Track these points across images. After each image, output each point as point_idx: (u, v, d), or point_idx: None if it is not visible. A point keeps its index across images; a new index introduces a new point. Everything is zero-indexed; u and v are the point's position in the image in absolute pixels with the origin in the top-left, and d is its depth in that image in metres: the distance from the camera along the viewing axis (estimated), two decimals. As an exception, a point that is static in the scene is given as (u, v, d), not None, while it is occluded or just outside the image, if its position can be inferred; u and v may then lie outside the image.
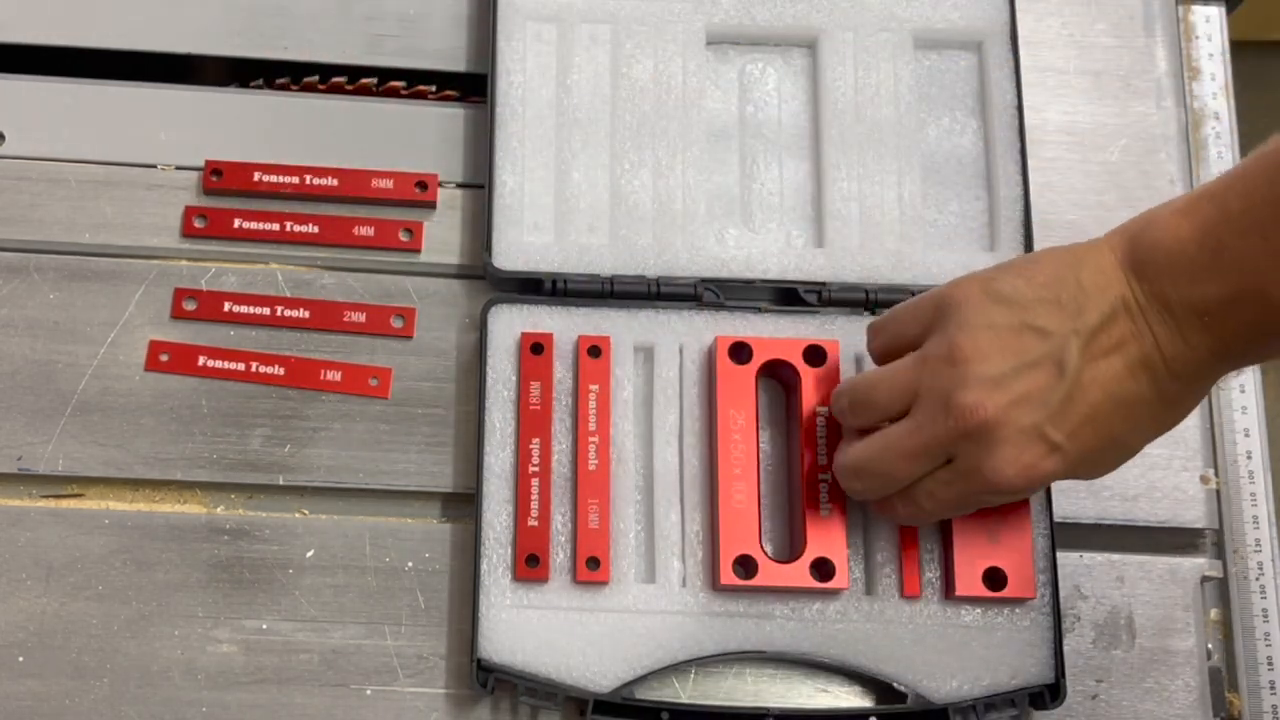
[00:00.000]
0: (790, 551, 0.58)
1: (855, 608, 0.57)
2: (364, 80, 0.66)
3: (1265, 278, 0.45)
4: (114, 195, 0.63)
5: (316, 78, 0.66)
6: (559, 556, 0.57)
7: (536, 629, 0.56)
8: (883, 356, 0.54)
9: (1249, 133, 0.68)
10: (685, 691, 0.57)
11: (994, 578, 0.57)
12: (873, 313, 0.61)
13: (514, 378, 0.59)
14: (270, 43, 0.66)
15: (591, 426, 0.58)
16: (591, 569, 0.56)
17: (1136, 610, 0.60)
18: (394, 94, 0.66)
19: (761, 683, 0.57)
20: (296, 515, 0.59)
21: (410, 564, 0.58)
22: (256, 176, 0.63)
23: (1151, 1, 0.69)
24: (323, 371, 0.60)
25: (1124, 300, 0.48)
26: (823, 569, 0.56)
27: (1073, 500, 0.61)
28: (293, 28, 0.66)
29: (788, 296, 0.62)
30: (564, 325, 0.60)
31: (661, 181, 0.62)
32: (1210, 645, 0.60)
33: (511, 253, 0.61)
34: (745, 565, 0.56)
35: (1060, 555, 0.58)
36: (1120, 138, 0.66)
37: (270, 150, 0.64)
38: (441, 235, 0.63)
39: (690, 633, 0.56)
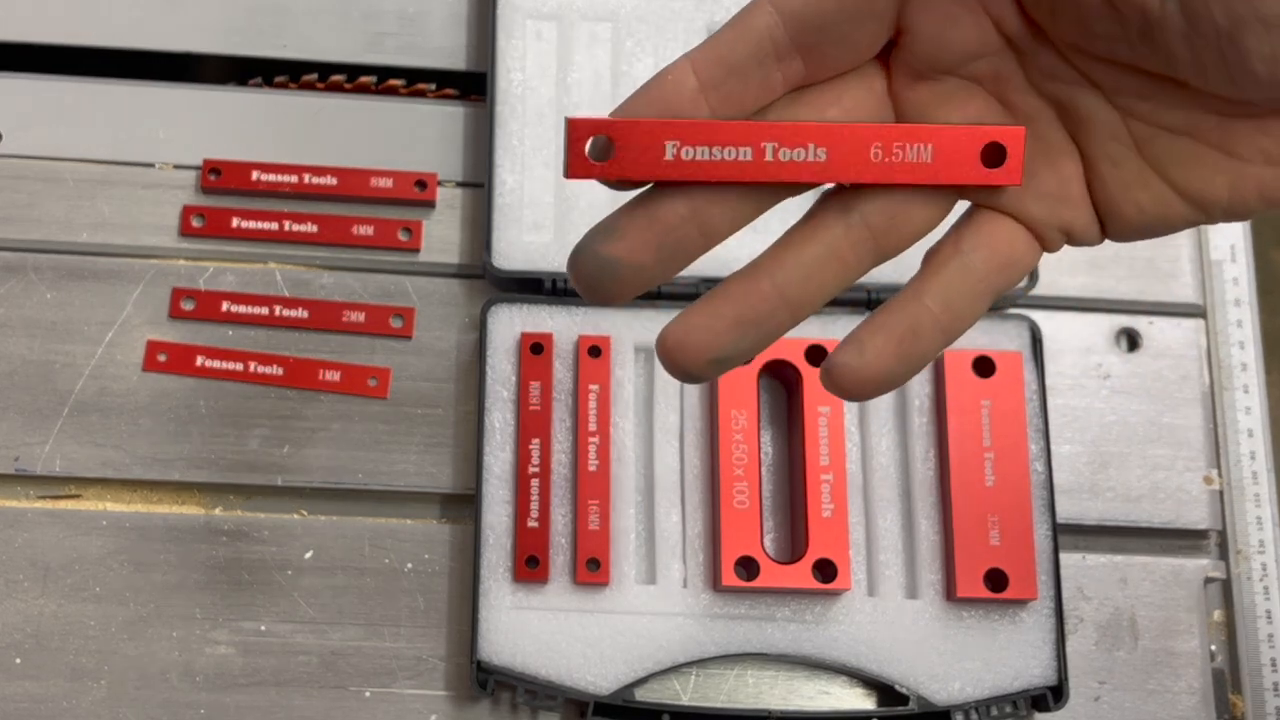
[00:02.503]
0: (792, 553, 0.58)
1: (858, 609, 0.57)
2: (363, 79, 0.66)
3: None
4: (112, 194, 0.62)
5: (315, 76, 0.66)
6: (559, 558, 0.57)
7: (536, 631, 0.56)
8: None
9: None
10: (686, 693, 0.57)
11: (996, 579, 0.56)
12: (874, 312, 0.61)
13: (514, 378, 0.59)
14: (269, 41, 0.66)
15: (592, 427, 0.58)
16: (592, 570, 0.56)
17: (1139, 612, 0.59)
18: (393, 92, 0.66)
19: (763, 684, 0.57)
20: (295, 516, 0.59)
21: (409, 565, 0.58)
22: (255, 175, 0.62)
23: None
24: (321, 371, 0.60)
25: None
26: (825, 570, 0.56)
27: (1075, 501, 0.61)
28: (291, 26, 0.66)
29: (789, 296, 0.61)
30: (564, 325, 0.60)
31: (662, 180, 0.62)
32: (1214, 647, 0.59)
33: (511, 252, 0.60)
34: (747, 567, 0.56)
35: (1063, 556, 0.58)
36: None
37: (269, 149, 0.63)
38: (441, 234, 0.63)
39: (691, 634, 0.56)
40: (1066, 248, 0.36)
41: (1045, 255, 0.61)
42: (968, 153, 0.34)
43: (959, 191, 0.35)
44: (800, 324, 0.35)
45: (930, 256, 0.36)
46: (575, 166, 0.33)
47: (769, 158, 0.33)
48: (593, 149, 0.33)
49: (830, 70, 0.34)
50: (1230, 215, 0.35)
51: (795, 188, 0.34)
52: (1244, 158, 0.33)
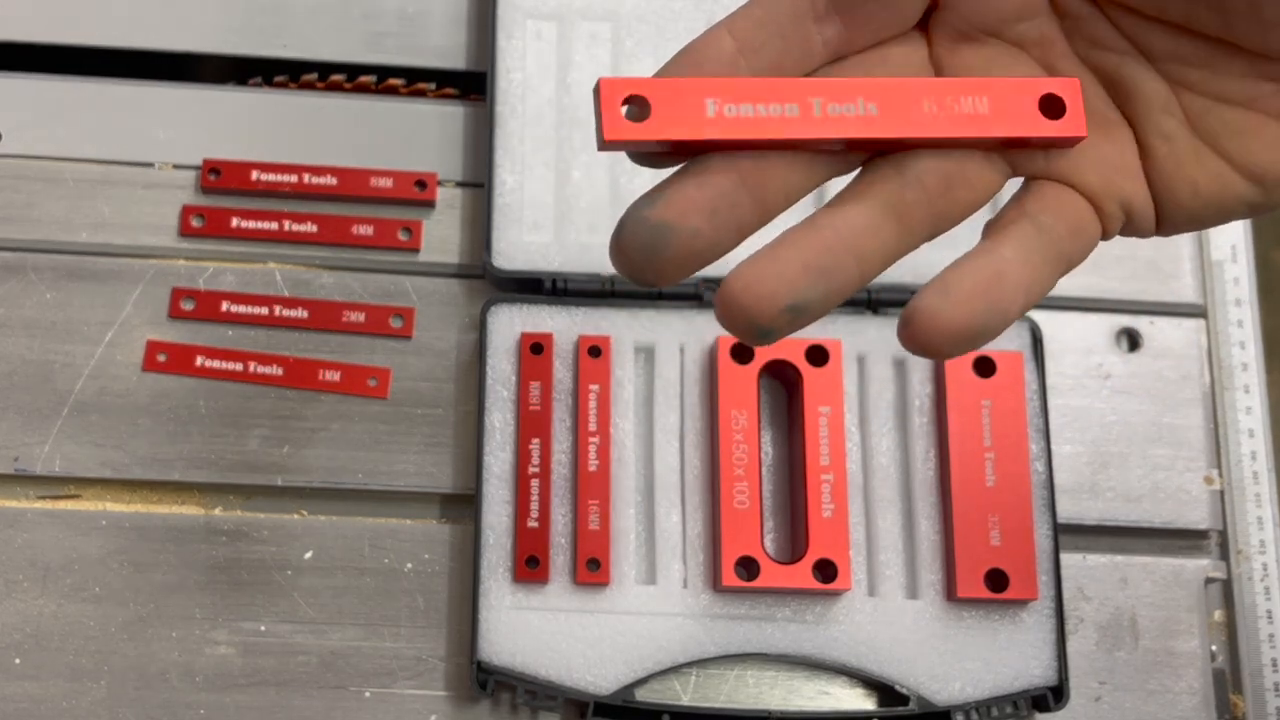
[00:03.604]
0: (792, 553, 0.58)
1: (858, 609, 0.57)
2: (363, 78, 0.66)
3: None
4: (111, 194, 0.62)
5: (315, 76, 0.66)
6: (559, 558, 0.57)
7: (536, 631, 0.56)
8: None
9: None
10: (686, 694, 0.57)
11: (996, 579, 0.56)
12: (874, 313, 0.60)
13: (514, 378, 0.59)
14: (268, 40, 0.66)
15: (592, 427, 0.58)
16: (592, 570, 0.56)
17: (1140, 612, 0.59)
18: (393, 92, 0.66)
19: (763, 685, 0.57)
20: (295, 516, 0.59)
21: (409, 565, 0.58)
22: (254, 175, 0.62)
23: None
24: (321, 372, 0.60)
25: None
26: (825, 571, 0.56)
27: (1076, 501, 0.60)
28: (291, 25, 0.66)
29: (789, 296, 0.61)
30: (564, 325, 0.60)
31: (662, 180, 0.62)
32: (1214, 647, 0.59)
33: (511, 252, 0.60)
34: (747, 567, 0.56)
35: (1063, 556, 0.58)
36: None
37: (268, 149, 0.63)
38: (441, 234, 0.63)
39: (691, 635, 0.56)
40: None
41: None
42: (1025, 104, 0.32)
43: (1017, 156, 0.33)
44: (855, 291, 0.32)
45: (993, 223, 0.34)
46: (611, 128, 0.30)
47: (817, 113, 0.31)
48: (628, 111, 0.30)
49: (871, 35, 0.33)
50: None
51: (848, 159, 0.33)
52: None
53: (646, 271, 0.31)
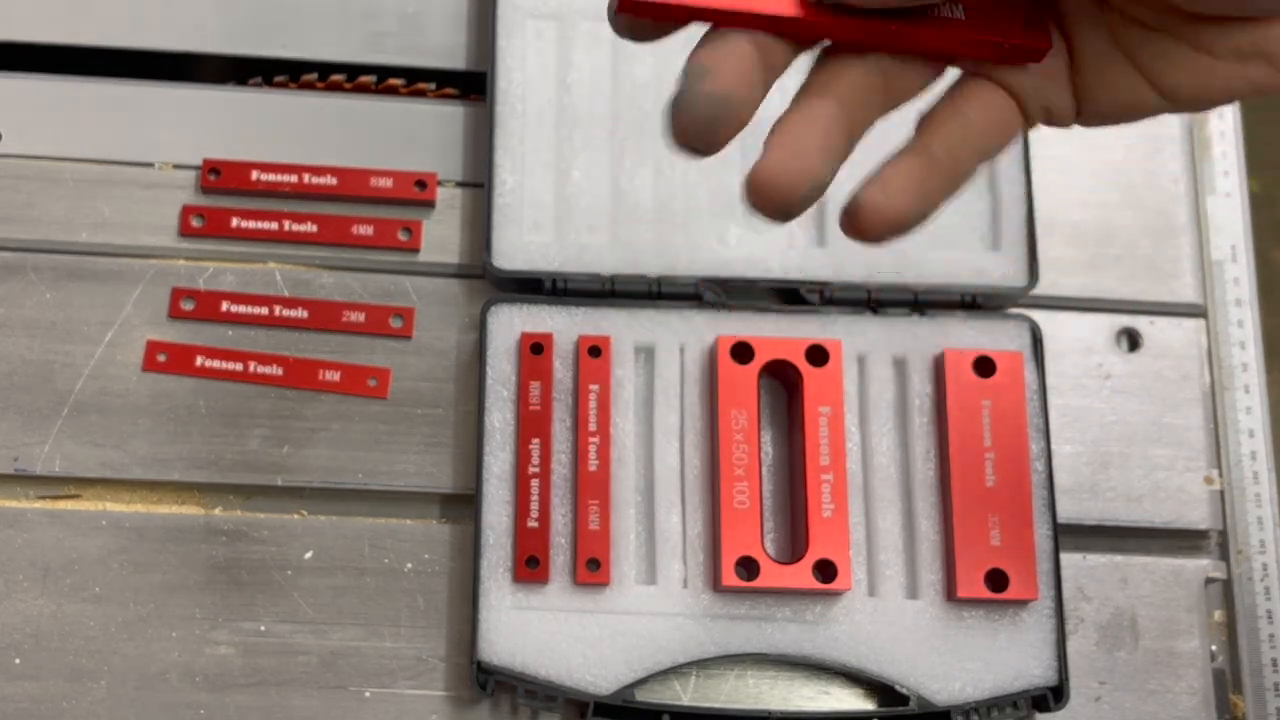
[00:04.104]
0: (792, 553, 0.58)
1: (858, 609, 0.57)
2: (362, 78, 0.66)
3: None
4: (111, 194, 0.62)
5: (315, 76, 0.66)
6: (559, 558, 0.57)
7: (536, 631, 0.56)
8: None
9: (1252, 130, 0.68)
10: (686, 694, 0.57)
11: (996, 579, 0.56)
12: (874, 313, 0.61)
13: (514, 378, 0.59)
14: (268, 40, 0.66)
15: (592, 427, 0.58)
16: (592, 571, 0.56)
17: (1140, 612, 0.59)
18: (393, 92, 0.66)
19: (763, 685, 0.57)
20: (295, 516, 0.59)
21: (409, 565, 0.58)
22: (254, 175, 0.62)
23: (1155, -1, 0.68)
24: (321, 372, 0.60)
25: None
26: (825, 571, 0.56)
27: (1076, 501, 0.60)
28: (291, 25, 0.66)
29: (790, 296, 0.61)
30: (564, 325, 0.60)
31: (662, 180, 0.62)
32: (1214, 647, 0.59)
33: (511, 252, 0.60)
34: (747, 567, 0.56)
35: (1063, 557, 0.58)
36: (1124, 136, 0.66)
37: (268, 149, 0.63)
38: (441, 234, 0.63)
39: (691, 635, 0.56)
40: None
41: (1046, 257, 0.61)
42: (1003, 13, 0.35)
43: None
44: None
45: (928, 117, 0.37)
46: None
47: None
48: None
49: None
50: (1195, 107, 0.37)
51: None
52: (1216, 54, 0.35)
53: (705, 141, 0.34)
